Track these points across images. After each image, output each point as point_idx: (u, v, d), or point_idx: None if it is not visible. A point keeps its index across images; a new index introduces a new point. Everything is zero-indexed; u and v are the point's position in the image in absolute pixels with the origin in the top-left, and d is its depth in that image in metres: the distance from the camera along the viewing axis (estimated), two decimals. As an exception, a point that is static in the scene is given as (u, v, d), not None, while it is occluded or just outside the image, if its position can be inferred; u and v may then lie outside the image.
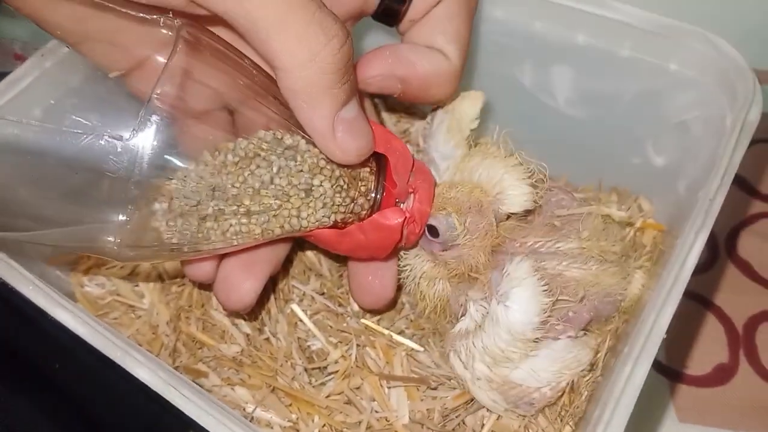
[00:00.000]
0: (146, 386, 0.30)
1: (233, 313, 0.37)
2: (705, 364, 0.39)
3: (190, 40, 0.26)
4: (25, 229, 0.28)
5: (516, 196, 0.32)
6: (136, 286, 0.39)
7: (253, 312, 0.38)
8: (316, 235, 0.30)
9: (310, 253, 0.40)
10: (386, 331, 0.37)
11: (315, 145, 0.28)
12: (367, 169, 0.30)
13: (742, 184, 0.47)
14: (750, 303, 0.41)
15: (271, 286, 0.39)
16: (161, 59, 0.26)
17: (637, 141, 0.38)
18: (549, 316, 0.28)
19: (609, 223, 0.33)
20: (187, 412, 0.24)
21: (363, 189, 0.30)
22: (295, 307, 0.38)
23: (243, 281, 0.30)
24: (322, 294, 0.39)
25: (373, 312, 0.38)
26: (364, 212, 0.30)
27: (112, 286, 0.39)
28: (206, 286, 0.38)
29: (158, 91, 0.26)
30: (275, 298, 0.38)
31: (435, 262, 0.33)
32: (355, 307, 0.39)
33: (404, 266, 0.34)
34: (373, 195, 0.30)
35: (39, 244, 0.33)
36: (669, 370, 0.39)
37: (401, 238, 0.31)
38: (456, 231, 0.30)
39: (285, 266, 0.40)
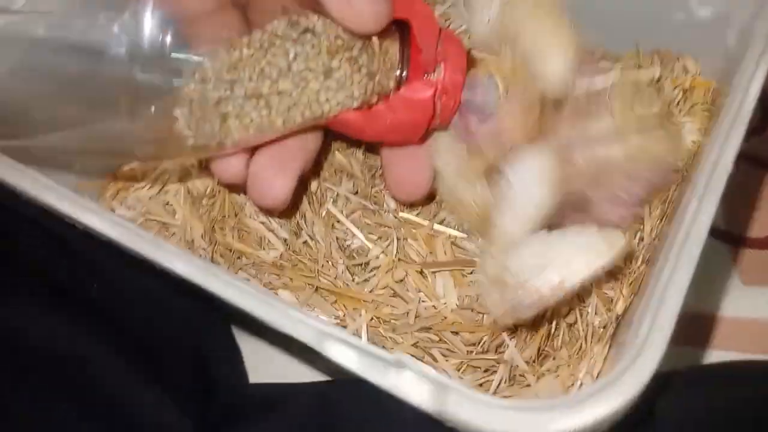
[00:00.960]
0: (194, 293, 0.30)
1: (270, 215, 0.37)
2: (766, 226, 0.37)
3: None
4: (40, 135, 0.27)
5: (555, 76, 0.29)
6: (167, 203, 0.38)
7: (289, 216, 0.37)
8: (343, 121, 0.28)
9: (339, 155, 0.39)
10: (425, 222, 0.36)
11: (331, 26, 0.27)
12: (390, 41, 0.28)
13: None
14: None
15: (303, 190, 0.38)
16: None
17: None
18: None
19: (641, 88, 0.30)
20: (227, 296, 0.23)
21: (388, 63, 0.28)
22: (330, 207, 0.37)
23: (275, 177, 0.29)
24: (356, 193, 0.38)
25: (411, 206, 0.37)
26: (391, 89, 0.28)
27: (142, 207, 0.39)
28: (237, 191, 0.37)
29: None
30: (309, 202, 0.37)
31: (469, 153, 0.31)
32: (392, 204, 0.37)
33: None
34: (398, 68, 0.28)
35: (60, 153, 0.32)
36: (729, 235, 0.37)
37: (434, 114, 0.29)
38: (496, 93, 0.28)
39: (316, 170, 0.38)
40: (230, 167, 0.29)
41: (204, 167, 0.38)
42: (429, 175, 0.32)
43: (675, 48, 0.38)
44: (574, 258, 0.26)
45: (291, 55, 0.26)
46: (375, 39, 0.28)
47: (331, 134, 0.32)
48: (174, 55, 0.26)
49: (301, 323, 0.22)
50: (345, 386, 0.27)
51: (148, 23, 0.24)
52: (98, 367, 0.28)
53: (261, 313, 0.22)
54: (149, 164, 0.37)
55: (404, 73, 0.29)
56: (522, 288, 0.26)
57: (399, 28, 0.29)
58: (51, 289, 0.32)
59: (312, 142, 0.31)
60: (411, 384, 0.21)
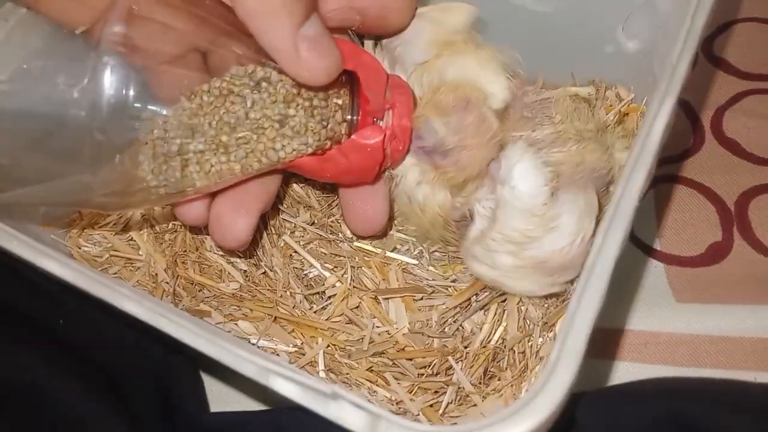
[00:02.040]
0: (153, 328, 0.31)
1: (229, 252, 0.38)
2: (699, 245, 0.39)
3: None
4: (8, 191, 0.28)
5: (497, 92, 0.31)
6: (131, 239, 0.40)
7: (248, 249, 0.39)
8: (298, 165, 0.30)
9: (297, 187, 0.41)
10: (378, 250, 0.38)
11: (285, 77, 0.28)
12: (341, 90, 0.30)
13: (723, 65, 0.46)
14: (740, 180, 0.41)
15: (262, 223, 0.39)
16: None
17: (607, 29, 0.38)
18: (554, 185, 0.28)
19: (579, 104, 0.33)
20: (182, 339, 0.25)
21: (339, 111, 0.30)
22: (287, 238, 0.39)
23: (236, 219, 0.30)
24: (313, 224, 0.40)
25: (368, 238, 0.39)
26: (343, 135, 0.30)
27: (108, 243, 0.40)
28: (198, 230, 0.39)
29: (113, 30, 0.26)
30: (267, 234, 0.39)
31: (436, 172, 0.32)
32: (347, 233, 0.39)
33: (398, 180, 0.33)
34: (349, 116, 0.30)
35: (26, 205, 0.33)
36: (662, 254, 0.39)
37: (385, 157, 0.31)
38: (438, 134, 0.30)
39: (274, 202, 0.40)
40: (192, 211, 0.31)
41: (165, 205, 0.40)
42: (386, 211, 0.33)
43: (608, 78, 0.40)
44: (584, 215, 0.29)
45: (249, 103, 0.28)
46: (328, 87, 0.29)
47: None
48: (136, 105, 0.27)
49: (246, 360, 0.24)
50: (296, 413, 0.28)
51: (109, 80, 0.26)
52: (68, 400, 0.29)
53: (210, 352, 0.24)
54: (114, 213, 0.39)
55: (355, 120, 0.30)
56: (563, 257, 0.29)
57: (348, 77, 0.30)
58: (18, 324, 0.33)
59: (272, 183, 0.32)
60: (347, 413, 0.22)
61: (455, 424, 0.31)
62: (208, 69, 0.30)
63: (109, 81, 0.25)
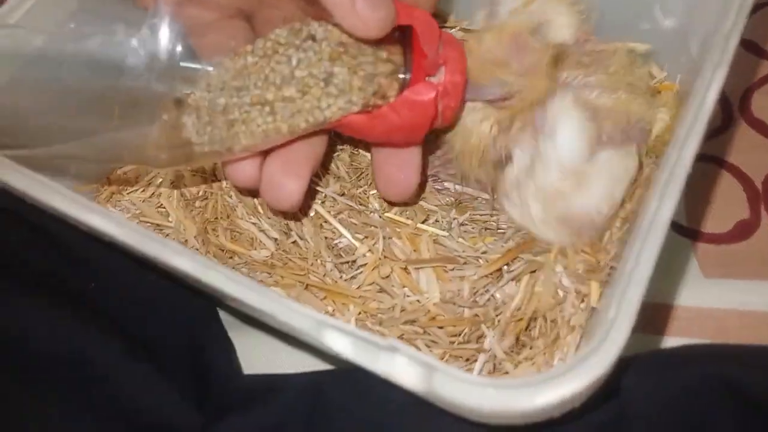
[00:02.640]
0: (184, 284, 0.31)
1: (284, 216, 0.38)
2: (726, 222, 0.40)
3: None
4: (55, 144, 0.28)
5: (564, 25, 0.32)
6: (160, 206, 0.40)
7: (277, 217, 0.39)
8: (347, 124, 0.30)
9: (326, 158, 0.41)
10: (409, 221, 0.38)
11: (332, 33, 0.28)
12: (393, 47, 0.30)
13: (751, 47, 0.46)
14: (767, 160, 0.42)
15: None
16: None
17: (645, 4, 0.38)
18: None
19: (634, 61, 0.34)
20: (228, 290, 0.25)
21: (390, 68, 0.30)
22: (318, 207, 0.39)
23: (288, 181, 0.30)
24: (342, 195, 0.40)
25: (397, 205, 0.39)
26: (394, 92, 0.30)
27: (136, 210, 0.40)
28: (249, 195, 0.39)
29: None
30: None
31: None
32: (376, 205, 0.39)
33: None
34: (402, 72, 0.30)
35: (70, 159, 0.33)
36: (690, 231, 0.39)
37: (436, 115, 0.30)
38: (508, 84, 0.30)
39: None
40: (244, 172, 0.31)
41: (197, 170, 0.40)
42: (417, 177, 0.33)
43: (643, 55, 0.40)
44: (616, 180, 0.31)
45: (294, 62, 0.28)
46: (378, 44, 0.29)
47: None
48: (183, 64, 0.27)
49: (299, 313, 0.24)
50: (336, 375, 0.28)
51: (164, 36, 0.26)
52: (103, 365, 0.29)
53: (260, 305, 0.24)
54: (163, 170, 0.38)
55: (407, 77, 0.30)
56: (589, 216, 0.30)
57: (401, 33, 0.30)
58: (50, 290, 0.33)
59: (320, 145, 0.32)
60: (402, 367, 0.22)
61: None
62: (255, 31, 0.30)
63: (165, 31, 0.25)
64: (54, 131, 0.27)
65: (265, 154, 0.30)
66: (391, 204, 0.39)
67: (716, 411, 0.30)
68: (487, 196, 0.38)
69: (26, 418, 0.28)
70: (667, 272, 0.38)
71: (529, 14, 0.34)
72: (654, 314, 0.36)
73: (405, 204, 0.39)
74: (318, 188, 0.40)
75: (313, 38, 0.28)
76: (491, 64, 0.31)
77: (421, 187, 0.38)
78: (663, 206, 0.25)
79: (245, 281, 0.24)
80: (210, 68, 0.28)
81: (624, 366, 0.23)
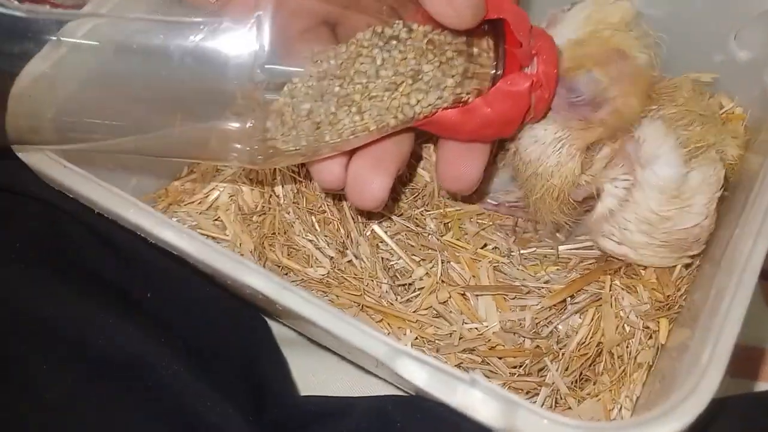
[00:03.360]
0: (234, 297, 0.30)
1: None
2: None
3: None
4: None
5: (644, 62, 0.31)
6: (217, 219, 0.40)
7: (336, 235, 0.38)
8: (437, 120, 0.29)
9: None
10: (468, 246, 0.37)
11: (417, 32, 0.28)
12: (483, 40, 0.29)
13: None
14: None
15: (349, 213, 0.39)
16: None
17: (719, 36, 0.37)
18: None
19: (700, 90, 0.34)
20: (304, 312, 0.24)
21: (481, 61, 0.29)
22: (376, 228, 0.38)
23: (373, 178, 0.30)
24: (400, 215, 0.39)
25: (457, 198, 0.39)
26: (486, 85, 0.29)
27: (193, 222, 0.40)
28: (334, 194, 0.39)
29: None
30: (354, 222, 0.39)
31: (578, 129, 0.32)
32: (432, 227, 0.39)
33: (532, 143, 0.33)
34: (494, 64, 0.29)
35: (138, 154, 0.33)
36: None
37: (530, 107, 0.30)
38: (602, 84, 0.30)
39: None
40: (331, 172, 0.30)
41: (256, 183, 0.40)
42: (481, 170, 0.32)
43: (714, 87, 0.39)
44: (714, 194, 0.31)
45: (378, 62, 0.27)
46: (469, 37, 0.29)
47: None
48: (269, 67, 0.27)
49: (375, 339, 0.23)
50: (401, 402, 0.28)
51: (264, 37, 0.26)
52: (164, 372, 0.29)
53: (335, 328, 0.24)
54: (248, 168, 0.39)
55: (500, 69, 0.29)
56: (694, 232, 0.31)
57: (492, 26, 0.29)
58: (107, 292, 0.33)
59: (406, 143, 0.32)
60: (481, 401, 0.22)
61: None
62: (337, 38, 0.29)
63: (267, 32, 0.25)
64: (132, 124, 0.28)
65: (351, 153, 0.30)
66: (454, 197, 0.39)
67: None
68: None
69: (92, 420, 0.27)
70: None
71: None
72: (739, 357, 0.35)
73: (464, 200, 0.39)
74: (375, 208, 0.39)
75: (396, 38, 0.28)
76: (589, 60, 0.30)
77: (484, 182, 0.37)
78: (755, 251, 0.24)
79: (320, 304, 0.24)
80: (295, 74, 0.28)
81: (714, 409, 0.22)
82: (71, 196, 0.30)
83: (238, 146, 0.28)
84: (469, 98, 0.29)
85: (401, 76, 0.27)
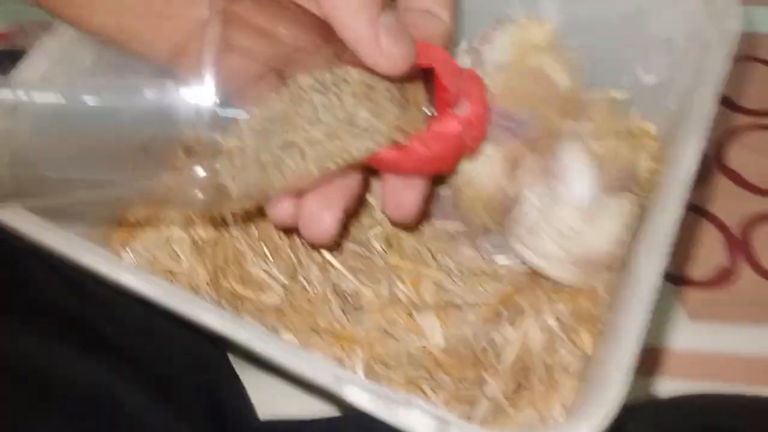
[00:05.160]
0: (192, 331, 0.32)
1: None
2: (708, 269, 0.42)
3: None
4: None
5: (564, 85, 0.35)
6: (172, 251, 0.41)
7: (287, 262, 0.40)
8: (378, 160, 0.31)
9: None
10: (411, 266, 0.40)
11: (355, 76, 0.30)
12: (416, 84, 0.32)
13: (725, 101, 0.49)
14: (743, 209, 0.44)
15: (299, 239, 0.41)
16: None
17: (626, 62, 0.41)
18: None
19: (615, 108, 0.37)
20: (254, 347, 0.26)
21: (414, 104, 0.31)
22: (326, 253, 0.40)
23: (324, 216, 0.31)
24: (348, 239, 0.41)
25: (400, 227, 0.41)
26: (421, 127, 0.31)
27: (149, 255, 0.41)
28: (291, 232, 0.40)
29: (210, 38, 0.28)
30: (305, 248, 0.41)
31: (510, 146, 0.35)
32: (379, 248, 0.41)
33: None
34: (425, 108, 0.32)
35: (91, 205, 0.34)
36: (675, 276, 0.42)
37: (464, 146, 0.32)
38: (526, 109, 0.33)
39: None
40: (283, 210, 0.32)
41: (206, 215, 0.42)
42: (422, 200, 0.34)
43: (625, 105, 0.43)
44: (626, 221, 0.33)
45: (318, 106, 0.29)
46: (401, 82, 0.31)
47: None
48: (218, 113, 0.28)
49: (321, 369, 0.25)
50: (352, 420, 0.30)
51: (203, 89, 0.27)
52: (128, 402, 0.30)
53: (283, 360, 0.26)
54: (199, 213, 0.40)
55: (433, 111, 0.32)
56: (601, 255, 0.33)
57: (421, 71, 0.32)
58: (69, 328, 0.34)
59: (356, 181, 0.33)
60: (418, 420, 0.24)
61: None
62: (285, 85, 0.31)
63: (205, 83, 0.27)
64: (79, 180, 0.29)
65: (302, 192, 0.32)
66: (395, 225, 0.41)
67: None
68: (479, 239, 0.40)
69: None
70: (657, 317, 0.40)
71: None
72: (645, 357, 0.38)
73: (407, 228, 0.41)
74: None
75: (335, 83, 0.30)
76: (512, 94, 0.33)
77: (427, 213, 0.40)
78: (649, 264, 0.27)
79: (270, 339, 0.26)
80: (241, 117, 0.29)
81: (622, 414, 0.25)
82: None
83: (191, 192, 0.29)
84: (404, 140, 0.31)
85: (338, 121, 0.29)
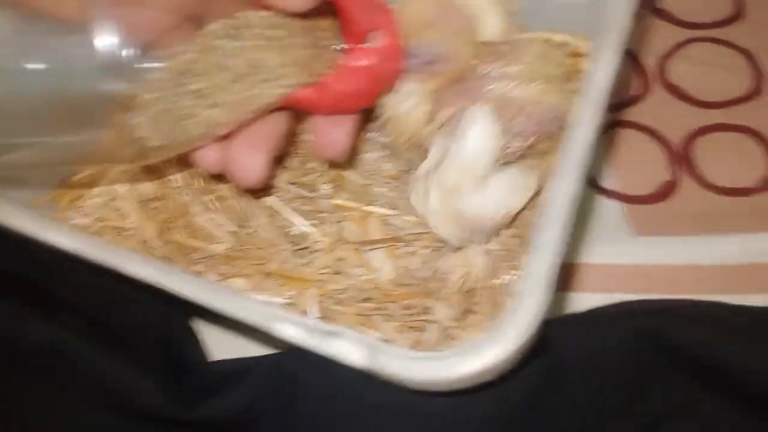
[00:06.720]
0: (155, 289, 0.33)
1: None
2: (651, 183, 0.43)
3: None
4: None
5: (491, 24, 0.34)
6: (119, 209, 0.41)
7: (233, 211, 0.41)
8: (296, 100, 0.31)
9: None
10: (356, 205, 0.41)
11: (263, 20, 0.29)
12: (326, 21, 0.31)
13: (666, 15, 0.49)
14: (685, 123, 0.45)
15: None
16: None
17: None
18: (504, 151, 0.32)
19: (551, 49, 0.36)
20: (185, 293, 0.27)
21: (324, 42, 0.31)
22: (272, 199, 0.41)
23: (249, 159, 0.31)
24: (293, 183, 0.42)
25: (335, 165, 0.41)
26: (334, 62, 0.31)
27: (97, 215, 0.42)
28: (183, 195, 0.40)
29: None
30: (252, 196, 0.41)
31: (425, 81, 0.34)
32: (326, 189, 0.42)
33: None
34: (337, 43, 0.31)
35: (25, 168, 0.34)
36: (619, 194, 0.43)
37: (382, 79, 0.32)
38: (435, 44, 0.32)
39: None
40: (208, 158, 0.32)
41: (150, 171, 0.42)
42: (352, 135, 0.34)
43: (564, 29, 0.42)
44: (514, 193, 0.33)
45: (228, 52, 0.29)
46: (311, 20, 0.30)
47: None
48: (133, 65, 0.28)
49: (249, 308, 0.26)
50: (297, 355, 0.31)
51: (112, 41, 0.27)
52: (86, 357, 0.31)
53: (214, 303, 0.27)
54: (125, 168, 0.40)
55: (344, 46, 0.31)
56: (479, 220, 0.33)
57: (331, 6, 0.31)
58: (30, 294, 0.35)
59: (281, 121, 0.33)
60: (347, 349, 0.25)
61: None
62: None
63: (113, 36, 0.26)
64: (13, 145, 0.29)
65: (227, 137, 0.32)
66: (332, 166, 0.41)
67: (648, 363, 0.34)
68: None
69: (23, 401, 0.30)
70: (599, 234, 0.41)
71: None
72: (586, 274, 0.40)
73: (345, 166, 0.41)
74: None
75: (244, 27, 0.29)
76: (419, 26, 0.33)
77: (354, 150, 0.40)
78: (563, 184, 0.28)
79: (198, 282, 0.27)
80: (154, 67, 0.29)
81: (555, 325, 0.27)
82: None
83: (113, 146, 0.29)
84: (318, 77, 0.31)
85: (250, 65, 0.29)
